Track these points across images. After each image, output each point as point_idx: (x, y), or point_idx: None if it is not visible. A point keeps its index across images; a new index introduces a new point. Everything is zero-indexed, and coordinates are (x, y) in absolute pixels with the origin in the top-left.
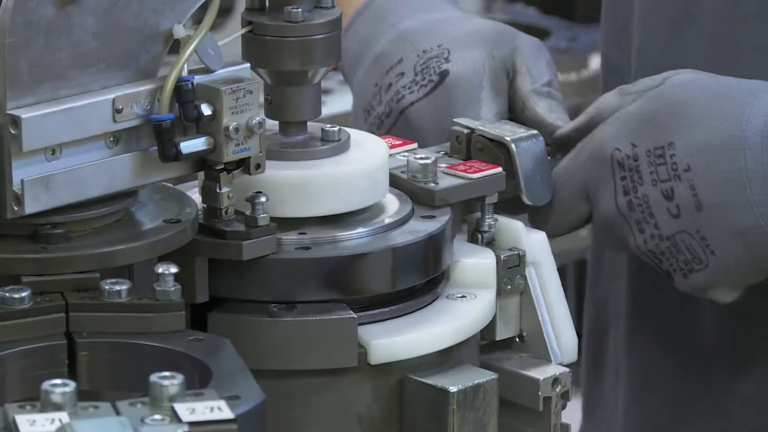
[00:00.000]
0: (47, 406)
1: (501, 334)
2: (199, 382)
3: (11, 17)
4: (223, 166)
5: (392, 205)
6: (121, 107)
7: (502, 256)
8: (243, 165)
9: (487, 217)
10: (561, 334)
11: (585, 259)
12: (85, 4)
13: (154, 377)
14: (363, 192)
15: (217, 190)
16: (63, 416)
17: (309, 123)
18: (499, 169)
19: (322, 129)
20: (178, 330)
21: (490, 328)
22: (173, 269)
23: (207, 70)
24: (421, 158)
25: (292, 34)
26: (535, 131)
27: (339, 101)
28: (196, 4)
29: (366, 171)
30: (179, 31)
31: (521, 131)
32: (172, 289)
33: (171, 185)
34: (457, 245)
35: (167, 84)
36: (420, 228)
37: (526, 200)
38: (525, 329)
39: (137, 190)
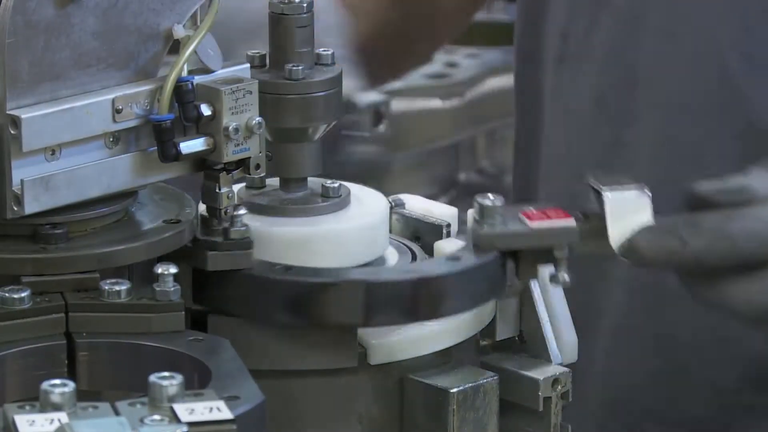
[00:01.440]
0: (46, 406)
1: (501, 334)
2: (198, 382)
3: (11, 17)
4: (222, 166)
5: (392, 258)
6: (120, 107)
7: None
8: (243, 165)
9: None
10: (561, 334)
11: None
12: (85, 4)
13: (153, 377)
14: (364, 248)
15: (217, 191)
16: (62, 416)
17: (309, 178)
18: (571, 221)
19: (323, 185)
20: (177, 330)
21: (490, 328)
22: (173, 269)
23: (207, 70)
24: (488, 200)
25: (293, 92)
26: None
27: None
28: (196, 4)
29: (367, 227)
30: (179, 31)
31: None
32: (172, 289)
33: (171, 185)
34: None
35: (167, 84)
36: (413, 268)
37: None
38: (525, 329)
39: (137, 190)
